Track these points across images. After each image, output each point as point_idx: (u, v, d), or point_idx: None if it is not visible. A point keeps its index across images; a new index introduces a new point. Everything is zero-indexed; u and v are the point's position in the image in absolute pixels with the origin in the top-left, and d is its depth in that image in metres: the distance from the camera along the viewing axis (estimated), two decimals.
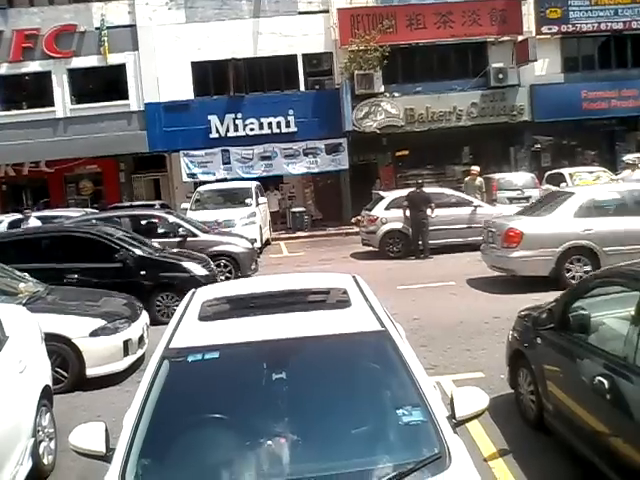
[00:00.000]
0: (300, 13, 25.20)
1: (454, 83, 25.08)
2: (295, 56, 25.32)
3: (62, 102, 25.04)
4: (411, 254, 16.53)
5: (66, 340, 7.77)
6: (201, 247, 13.82)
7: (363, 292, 4.63)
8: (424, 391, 3.47)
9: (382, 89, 24.56)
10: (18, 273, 9.24)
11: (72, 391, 7.70)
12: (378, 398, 3.66)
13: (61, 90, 25.04)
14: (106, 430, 3.41)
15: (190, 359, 3.75)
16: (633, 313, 4.42)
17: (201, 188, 21.52)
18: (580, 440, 4.90)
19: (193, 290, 5.08)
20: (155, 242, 12.99)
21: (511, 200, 20.24)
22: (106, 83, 25.55)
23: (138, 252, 11.47)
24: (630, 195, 12.13)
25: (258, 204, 19.85)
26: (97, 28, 24.65)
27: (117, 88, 25.19)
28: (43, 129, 24.42)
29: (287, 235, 24.04)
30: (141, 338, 8.60)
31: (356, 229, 20.93)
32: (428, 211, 16.38)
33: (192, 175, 24.92)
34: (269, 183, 25.05)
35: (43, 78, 25.07)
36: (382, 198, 17.95)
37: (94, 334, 7.95)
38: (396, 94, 24.77)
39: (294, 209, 25.28)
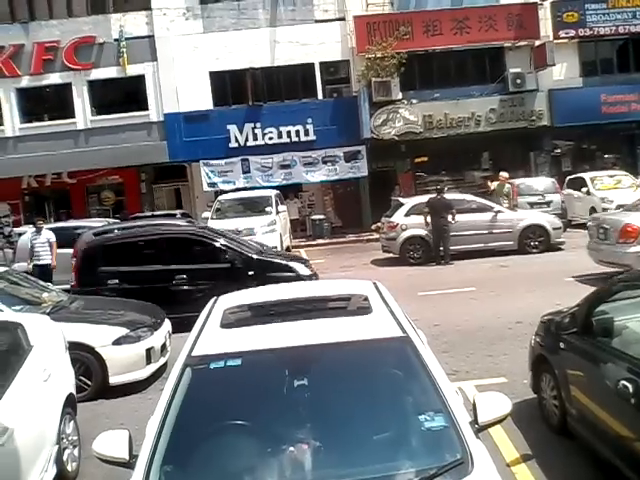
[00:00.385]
0: (317, 21, 25.32)
1: (472, 89, 24.97)
2: (312, 64, 25.38)
3: (83, 113, 25.33)
4: (432, 260, 16.47)
5: (89, 349, 7.85)
6: None
7: (384, 298, 4.61)
8: (446, 396, 3.45)
9: (400, 96, 24.51)
10: (42, 283, 9.33)
11: (95, 399, 7.76)
12: (400, 404, 3.65)
13: (81, 101, 25.34)
14: (129, 437, 3.42)
15: (212, 366, 3.77)
16: None
17: (221, 197, 21.59)
18: (604, 444, 4.85)
19: (215, 297, 5.09)
20: None
21: (532, 205, 20.09)
22: (126, 94, 25.79)
23: (247, 253, 11.46)
24: None
25: (278, 212, 19.88)
26: (116, 39, 24.93)
27: (137, 99, 25.47)
28: (64, 140, 24.69)
29: (307, 242, 24.07)
30: (163, 346, 8.65)
31: (376, 236, 20.89)
32: (449, 217, 16.31)
33: (212, 184, 25.09)
34: (289, 191, 25.10)
35: (63, 90, 25.38)
36: (402, 205, 17.90)
37: (117, 342, 8.03)
38: (414, 101, 24.69)
39: (314, 216, 25.36)
